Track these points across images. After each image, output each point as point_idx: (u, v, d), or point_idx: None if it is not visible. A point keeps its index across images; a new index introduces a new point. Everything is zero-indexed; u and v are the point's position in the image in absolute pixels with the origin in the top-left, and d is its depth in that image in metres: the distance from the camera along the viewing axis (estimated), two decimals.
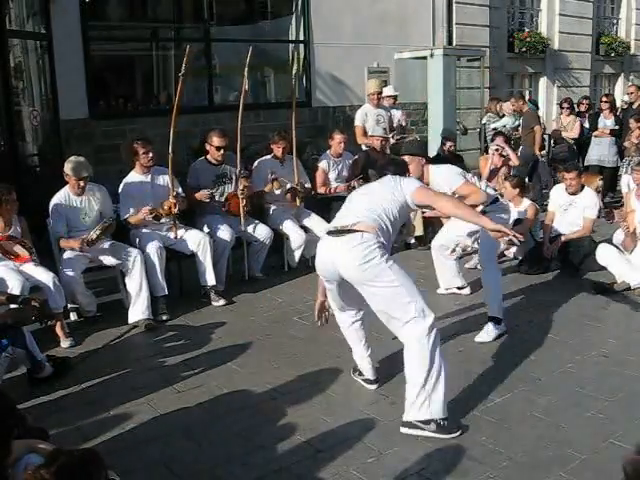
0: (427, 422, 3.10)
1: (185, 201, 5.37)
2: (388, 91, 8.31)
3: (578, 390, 3.59)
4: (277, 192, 6.01)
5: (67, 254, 4.74)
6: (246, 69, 5.59)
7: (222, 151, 5.60)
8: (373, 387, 3.72)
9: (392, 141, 7.61)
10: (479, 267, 6.03)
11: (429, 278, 5.74)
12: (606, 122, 9.22)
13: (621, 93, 13.36)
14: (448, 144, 8.03)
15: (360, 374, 3.79)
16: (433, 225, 7.15)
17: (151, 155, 5.20)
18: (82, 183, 4.81)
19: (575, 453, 2.95)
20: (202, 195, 5.49)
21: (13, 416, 1.70)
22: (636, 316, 4.82)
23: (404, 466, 2.89)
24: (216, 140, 5.60)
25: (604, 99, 9.47)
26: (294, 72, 6.20)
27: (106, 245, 4.91)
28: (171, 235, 5.22)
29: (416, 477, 2.82)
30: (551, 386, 3.66)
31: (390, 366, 3.92)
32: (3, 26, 5.77)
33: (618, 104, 11.09)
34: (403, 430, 3.16)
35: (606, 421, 3.23)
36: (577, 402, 3.45)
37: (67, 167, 4.79)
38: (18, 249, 4.40)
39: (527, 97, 11.11)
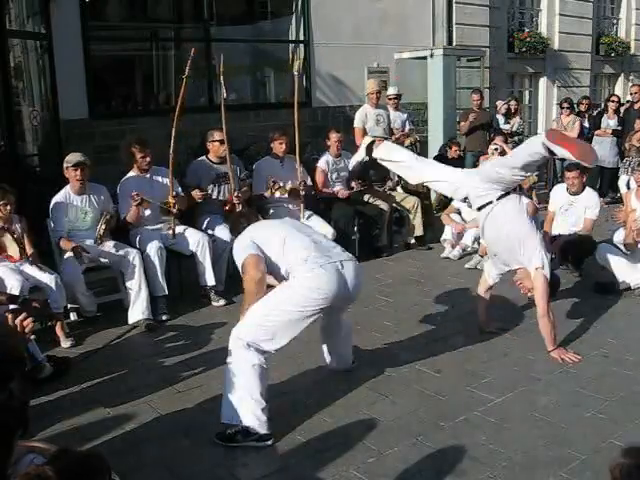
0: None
1: (185, 200, 5.37)
2: (392, 91, 8.29)
3: (578, 390, 3.59)
4: (278, 195, 5.99)
5: (68, 254, 4.73)
6: (221, 77, 5.49)
7: (225, 144, 5.58)
8: None
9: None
10: (479, 267, 6.07)
11: (428, 278, 5.75)
12: (609, 122, 9.21)
13: (621, 93, 13.34)
14: (454, 148, 8.11)
15: None
16: (433, 225, 7.17)
17: (149, 159, 5.21)
18: (79, 173, 4.77)
19: (575, 453, 2.95)
20: (197, 195, 5.46)
21: (16, 416, 1.69)
22: (636, 316, 4.82)
23: (404, 466, 2.89)
24: (217, 134, 5.59)
25: (613, 99, 9.44)
26: (295, 71, 6.10)
27: (106, 245, 4.92)
28: (169, 233, 5.21)
29: (416, 477, 2.82)
30: (551, 386, 3.66)
31: (389, 366, 3.93)
32: (3, 26, 5.76)
33: None
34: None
35: (606, 421, 3.23)
36: (577, 402, 3.45)
37: (65, 161, 4.80)
38: (9, 242, 4.39)
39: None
